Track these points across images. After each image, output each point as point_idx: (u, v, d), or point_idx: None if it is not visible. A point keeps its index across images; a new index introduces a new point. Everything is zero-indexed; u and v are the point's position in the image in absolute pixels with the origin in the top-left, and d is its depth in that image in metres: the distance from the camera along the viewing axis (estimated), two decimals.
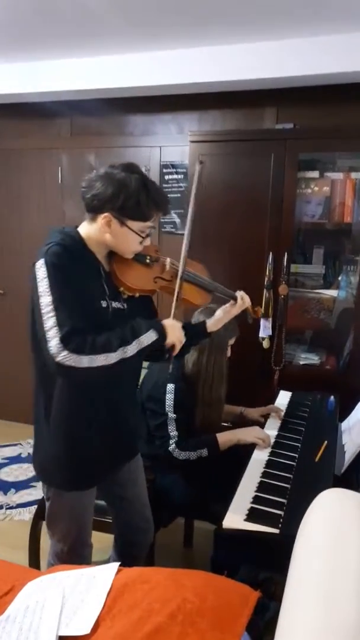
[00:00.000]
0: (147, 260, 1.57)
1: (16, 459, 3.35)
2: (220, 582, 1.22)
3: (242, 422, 2.29)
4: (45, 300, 1.34)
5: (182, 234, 3.06)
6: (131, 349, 1.39)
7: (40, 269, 1.36)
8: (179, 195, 3.22)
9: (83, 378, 1.38)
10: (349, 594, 0.91)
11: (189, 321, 1.86)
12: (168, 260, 1.63)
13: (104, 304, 1.47)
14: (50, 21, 2.50)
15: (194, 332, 1.74)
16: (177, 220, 3.27)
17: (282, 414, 2.21)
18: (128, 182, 1.41)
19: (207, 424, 2.02)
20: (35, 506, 2.16)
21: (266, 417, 2.23)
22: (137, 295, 1.56)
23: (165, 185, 3.28)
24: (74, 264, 1.40)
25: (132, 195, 1.40)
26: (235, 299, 1.75)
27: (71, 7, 2.32)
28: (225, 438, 1.96)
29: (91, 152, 3.44)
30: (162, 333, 1.45)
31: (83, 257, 1.46)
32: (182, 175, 3.20)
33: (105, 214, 1.42)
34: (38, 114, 3.48)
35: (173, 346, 1.49)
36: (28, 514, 2.73)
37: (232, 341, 2.08)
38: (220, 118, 3.11)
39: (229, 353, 2.07)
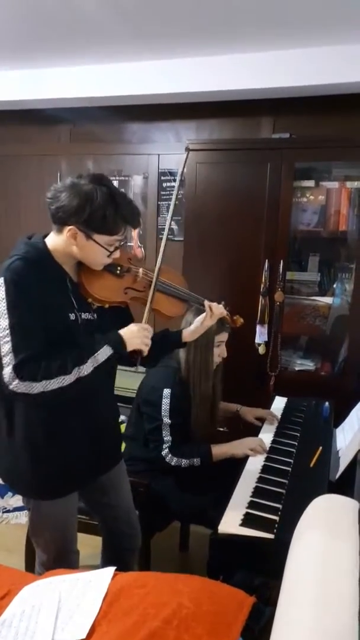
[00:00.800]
0: (118, 271, 1.53)
1: None
2: (215, 587, 1.24)
3: (237, 420, 2.31)
4: (3, 323, 1.32)
5: (180, 241, 3.08)
6: (86, 368, 1.37)
7: (0, 288, 1.33)
8: (176, 202, 3.25)
9: (40, 401, 1.36)
10: (342, 600, 0.92)
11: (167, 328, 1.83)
12: (141, 270, 1.59)
13: (72, 316, 1.45)
14: (52, 29, 2.52)
15: (169, 340, 1.73)
16: (175, 227, 3.30)
17: (278, 418, 2.22)
18: (94, 195, 1.36)
19: (199, 423, 2.03)
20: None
21: (262, 420, 2.24)
22: (106, 306, 1.53)
23: (163, 193, 3.31)
24: (38, 278, 1.37)
25: (98, 209, 1.36)
26: (211, 309, 1.70)
27: (72, 15, 2.35)
28: (220, 451, 1.95)
29: (90, 159, 3.47)
30: (119, 345, 1.42)
31: (48, 269, 1.42)
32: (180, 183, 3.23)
33: (71, 227, 1.39)
34: (38, 120, 3.50)
35: (140, 351, 1.46)
36: (25, 517, 2.73)
37: (222, 337, 2.03)
38: (217, 127, 3.14)
39: (224, 353, 2.07)
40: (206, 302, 1.70)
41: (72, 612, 1.22)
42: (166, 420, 1.92)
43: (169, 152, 3.24)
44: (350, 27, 2.34)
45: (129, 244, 3.36)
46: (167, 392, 1.95)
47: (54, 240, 1.45)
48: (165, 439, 1.93)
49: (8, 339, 1.31)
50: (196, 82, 2.81)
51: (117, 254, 1.49)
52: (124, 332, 1.45)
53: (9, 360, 1.31)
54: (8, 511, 2.83)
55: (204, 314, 1.70)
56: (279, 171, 2.62)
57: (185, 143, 2.79)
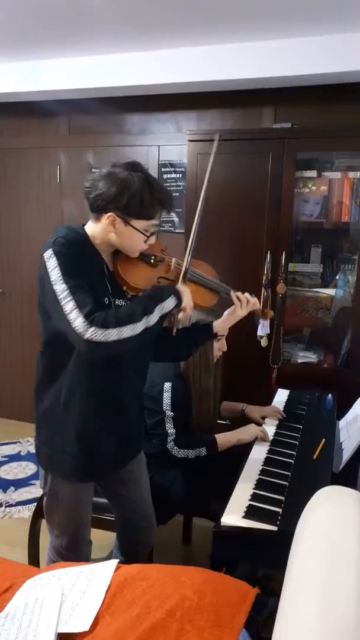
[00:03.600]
0: (152, 260, 1.57)
1: (16, 457, 3.36)
2: (218, 579, 1.23)
3: (242, 419, 2.30)
4: (60, 287, 1.35)
5: (181, 233, 3.06)
6: (154, 316, 1.41)
7: (51, 259, 1.37)
8: (177, 194, 3.23)
9: (113, 352, 1.39)
10: (347, 591, 0.92)
11: (197, 321, 1.86)
12: (173, 260, 1.62)
13: (106, 300, 1.48)
14: (49, 20, 2.50)
15: (201, 332, 1.76)
16: (176, 219, 3.28)
17: (283, 414, 2.20)
18: (131, 181, 1.40)
19: (200, 417, 2.03)
20: (35, 504, 2.17)
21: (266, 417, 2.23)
22: (140, 294, 1.55)
23: (163, 184, 3.28)
24: (78, 259, 1.41)
25: (136, 194, 1.40)
26: (240, 300, 1.73)
27: (70, 6, 2.32)
28: (225, 439, 1.96)
29: (89, 151, 3.44)
30: (179, 298, 1.49)
31: (87, 253, 1.46)
32: (180, 174, 3.21)
33: (110, 214, 1.43)
34: (36, 112, 3.48)
35: (180, 312, 1.53)
36: (27, 511, 2.74)
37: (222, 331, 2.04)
38: (218, 117, 3.11)
39: (224, 347, 2.06)
40: (232, 293, 1.73)
41: (75, 604, 1.22)
42: (169, 413, 1.92)
43: (169, 143, 3.22)
44: (352, 15, 2.31)
45: None
46: (167, 385, 1.95)
47: (93, 229, 1.49)
48: (169, 431, 1.93)
49: (69, 298, 1.34)
50: (196, 72, 2.78)
51: (153, 240, 1.52)
52: (178, 286, 1.52)
53: (76, 315, 1.33)
54: (11, 505, 2.83)
55: (234, 305, 1.73)
56: (281, 161, 2.59)
57: (185, 134, 2.76)
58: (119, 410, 1.59)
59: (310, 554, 1.02)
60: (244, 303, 1.73)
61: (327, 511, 1.14)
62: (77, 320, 1.32)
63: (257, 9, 2.27)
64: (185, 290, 1.52)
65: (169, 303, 1.45)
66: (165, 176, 3.28)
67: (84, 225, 1.52)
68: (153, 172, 3.27)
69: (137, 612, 1.13)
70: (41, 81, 3.11)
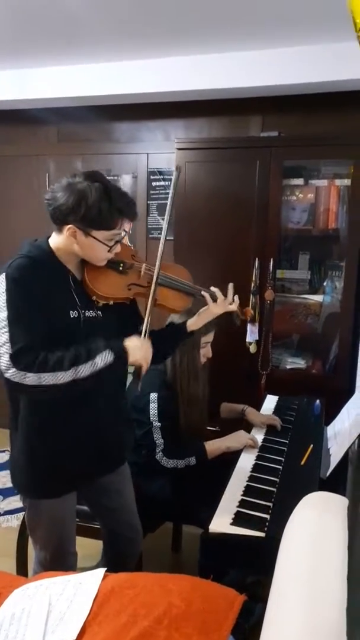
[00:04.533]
0: (120, 267, 1.54)
1: (3, 466, 3.33)
2: (206, 586, 1.23)
3: (242, 421, 2.30)
4: (2, 315, 1.34)
5: (170, 240, 3.08)
6: (84, 370, 1.37)
7: (1, 284, 1.36)
8: (166, 201, 3.24)
9: (35, 396, 1.39)
10: (331, 597, 0.92)
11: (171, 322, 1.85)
12: (144, 265, 1.59)
13: (73, 314, 1.46)
14: (38, 29, 2.51)
15: (176, 333, 1.74)
16: (165, 226, 3.29)
17: (281, 425, 2.18)
18: (88, 192, 1.37)
19: (190, 425, 2.02)
20: (23, 512, 2.15)
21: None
22: (110, 303, 1.54)
23: (152, 192, 3.30)
24: (40, 276, 1.40)
25: (93, 205, 1.38)
26: (214, 297, 1.70)
27: (58, 15, 2.34)
28: (214, 447, 1.96)
29: (78, 159, 3.46)
30: (121, 354, 1.42)
31: (51, 268, 1.45)
32: (169, 182, 3.23)
33: (69, 226, 1.41)
34: (25, 120, 3.49)
35: (140, 366, 1.47)
36: (16, 520, 2.71)
37: (208, 338, 2.02)
38: (206, 126, 3.14)
39: (209, 353, 2.06)
40: (203, 292, 1.70)
41: (62, 614, 1.21)
42: (156, 423, 1.91)
43: (158, 151, 3.24)
44: (338, 26, 2.35)
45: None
46: (154, 396, 1.94)
47: (56, 240, 1.48)
48: (157, 442, 1.92)
49: (6, 329, 1.33)
50: (185, 81, 2.81)
51: (117, 249, 1.50)
52: (128, 342, 1.46)
53: (6, 350, 1.32)
54: None
55: (208, 302, 1.70)
56: (268, 169, 2.62)
57: (174, 142, 2.79)
58: (91, 426, 1.55)
59: (295, 560, 1.03)
60: (220, 301, 1.70)
61: (313, 517, 1.15)
62: (3, 357, 1.32)
63: (244, 19, 2.31)
64: (136, 346, 1.45)
65: (102, 358, 1.39)
66: (154, 184, 3.30)
67: (49, 237, 1.50)
68: (142, 180, 3.32)
69: (124, 620, 1.13)
70: (30, 89, 3.12)
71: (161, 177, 3.26)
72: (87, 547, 1.98)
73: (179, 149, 2.74)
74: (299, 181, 2.70)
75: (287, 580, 1.00)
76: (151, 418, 1.91)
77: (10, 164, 3.63)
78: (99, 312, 1.53)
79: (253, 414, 2.24)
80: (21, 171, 3.60)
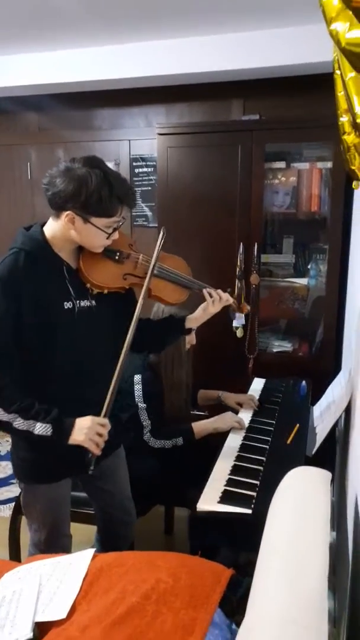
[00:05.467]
0: (117, 257, 1.53)
1: None
2: (193, 561, 1.26)
3: (219, 406, 2.32)
4: None
5: (155, 227, 3.06)
6: (21, 424, 1.39)
7: None
8: (149, 188, 3.24)
9: None
10: (313, 566, 0.95)
11: (172, 314, 1.85)
12: (141, 256, 1.58)
13: (67, 305, 1.46)
14: (13, 15, 2.47)
15: (174, 327, 1.75)
16: (149, 213, 3.28)
17: (257, 403, 2.23)
18: (88, 178, 1.36)
19: (174, 409, 2.04)
20: (14, 503, 2.16)
21: (242, 405, 2.26)
22: (105, 292, 1.53)
23: (135, 179, 3.29)
24: (33, 271, 1.40)
25: (94, 192, 1.36)
26: (211, 295, 1.69)
27: (35, 0, 2.30)
28: (201, 427, 1.98)
29: (60, 147, 3.43)
30: (62, 432, 1.41)
31: (45, 260, 1.44)
32: (152, 168, 3.21)
33: (68, 212, 1.39)
34: (4, 109, 3.44)
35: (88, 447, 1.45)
36: (8, 510, 2.72)
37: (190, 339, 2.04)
38: (187, 111, 3.13)
39: (193, 340, 2.07)
40: (204, 290, 1.69)
41: (52, 594, 1.22)
42: (141, 405, 1.93)
43: (140, 137, 3.22)
44: (315, 8, 2.34)
45: None
46: (137, 378, 1.96)
47: (52, 227, 1.46)
48: (144, 423, 1.94)
49: None
50: (164, 65, 2.79)
51: (115, 236, 1.49)
52: (79, 421, 1.44)
53: None
54: None
55: (207, 302, 1.70)
56: (250, 153, 2.62)
57: (155, 128, 2.77)
58: (86, 413, 1.54)
59: (280, 531, 1.05)
60: (217, 300, 1.70)
61: (296, 490, 1.17)
62: None
63: (223, 1, 2.29)
64: (84, 426, 1.43)
65: (41, 428, 1.39)
66: (136, 170, 3.28)
67: (44, 224, 1.48)
68: (124, 166, 3.30)
69: (113, 597, 1.14)
70: (8, 77, 3.08)
71: (144, 163, 3.25)
72: (81, 533, 1.99)
73: (160, 134, 2.73)
74: (281, 164, 2.70)
75: (272, 553, 1.02)
76: (136, 400, 1.93)
77: None
78: (93, 302, 1.53)
79: (229, 397, 2.26)
80: (2, 160, 3.57)
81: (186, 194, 2.77)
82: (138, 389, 1.94)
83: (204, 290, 1.70)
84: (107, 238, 1.47)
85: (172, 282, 1.65)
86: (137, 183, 3.29)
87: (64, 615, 1.14)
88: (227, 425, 1.96)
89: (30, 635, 1.13)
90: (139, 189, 3.29)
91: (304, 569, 0.93)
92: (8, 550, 2.14)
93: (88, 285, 1.50)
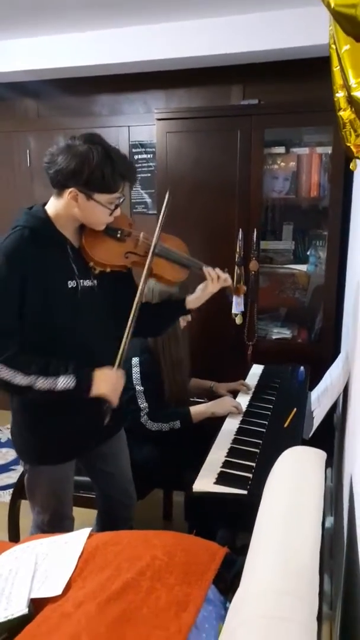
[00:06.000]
0: (119, 235, 1.54)
1: None
2: (188, 540, 1.26)
3: (212, 397, 2.33)
4: None
5: (154, 214, 3.04)
6: (43, 384, 1.38)
7: None
8: (149, 174, 3.22)
9: None
10: (305, 541, 0.95)
11: (172, 295, 1.85)
12: (142, 234, 1.59)
13: (71, 284, 1.47)
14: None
15: (174, 309, 1.76)
16: (149, 200, 3.27)
17: (252, 388, 2.22)
18: (90, 155, 1.36)
19: (174, 388, 2.04)
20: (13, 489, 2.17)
21: (235, 392, 2.25)
22: (107, 270, 1.54)
23: (135, 165, 3.26)
24: (37, 248, 1.40)
25: (96, 169, 1.37)
26: (211, 274, 1.70)
27: None
28: (199, 410, 1.99)
29: (59, 133, 3.35)
30: (82, 383, 1.42)
31: (48, 237, 1.45)
32: (151, 155, 3.19)
33: (71, 189, 1.40)
34: (3, 96, 3.42)
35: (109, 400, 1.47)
36: (8, 496, 2.73)
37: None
38: (186, 96, 3.10)
39: (189, 317, 2.07)
40: (204, 269, 1.70)
41: (48, 571, 1.23)
42: (139, 387, 1.93)
43: (139, 123, 3.20)
44: None
45: None
46: (135, 360, 1.96)
47: (55, 206, 1.46)
48: (141, 406, 1.95)
49: None
50: (163, 49, 2.76)
51: (117, 212, 1.50)
52: (98, 372, 1.45)
53: None
54: None
55: (206, 281, 1.71)
56: (249, 138, 2.60)
57: (154, 113, 2.75)
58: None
59: (274, 506, 1.05)
60: (215, 279, 1.71)
61: (292, 467, 1.17)
62: None
63: None
64: (106, 378, 1.45)
65: (64, 381, 1.40)
66: (136, 157, 3.26)
67: (45, 204, 1.49)
68: (124, 152, 3.27)
69: (108, 574, 1.15)
70: (5, 62, 3.05)
71: (143, 149, 3.23)
72: (84, 518, 2.00)
73: (159, 119, 2.71)
74: (281, 149, 2.68)
75: (266, 529, 1.02)
76: (134, 382, 1.93)
77: None
78: (95, 282, 1.53)
79: (221, 387, 2.27)
80: (1, 147, 3.55)
81: (185, 180, 2.75)
82: (136, 371, 1.94)
83: (204, 269, 1.70)
84: (110, 214, 1.47)
85: (172, 261, 1.66)
86: (136, 169, 3.27)
87: (59, 592, 1.15)
88: (224, 410, 1.97)
89: (26, 610, 1.13)
90: (139, 175, 3.26)
91: (297, 543, 0.94)
92: (8, 534, 2.15)
93: (91, 264, 1.52)
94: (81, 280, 1.50)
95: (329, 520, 1.70)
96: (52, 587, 1.17)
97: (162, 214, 1.61)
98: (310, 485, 1.08)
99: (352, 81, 0.93)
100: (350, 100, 1.04)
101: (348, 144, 1.14)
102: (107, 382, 1.46)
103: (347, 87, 0.98)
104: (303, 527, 0.96)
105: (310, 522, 0.97)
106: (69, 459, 1.64)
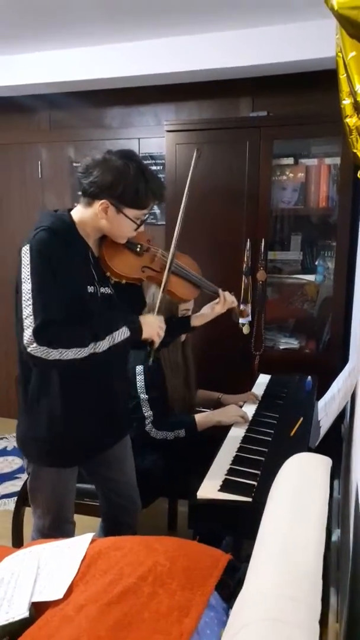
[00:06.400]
0: (138, 249, 1.59)
1: (2, 452, 3.36)
2: (191, 546, 1.25)
3: (219, 408, 2.32)
4: (26, 287, 1.37)
5: (163, 225, 3.08)
6: (103, 345, 1.41)
7: (25, 255, 1.39)
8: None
9: (54, 368, 1.43)
10: (308, 542, 0.94)
11: (174, 314, 1.91)
12: (159, 251, 1.65)
13: (91, 289, 1.49)
14: (25, 13, 2.51)
15: (178, 325, 1.81)
16: (157, 211, 3.30)
17: (259, 397, 2.22)
18: (127, 170, 1.41)
19: (175, 393, 2.04)
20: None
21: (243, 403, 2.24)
22: (123, 282, 1.58)
23: None
24: (61, 249, 1.42)
25: (132, 184, 1.41)
26: (225, 299, 1.80)
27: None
28: (204, 419, 1.98)
29: (70, 146, 3.46)
30: (136, 329, 1.48)
31: (72, 241, 1.48)
32: (161, 167, 3.23)
33: (103, 201, 1.44)
34: (16, 108, 3.49)
35: (152, 341, 1.53)
36: (13, 504, 2.72)
37: (186, 306, 2.04)
38: (196, 109, 3.14)
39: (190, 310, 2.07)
40: (221, 292, 1.79)
41: (50, 575, 1.23)
42: (143, 396, 1.93)
43: (149, 135, 3.24)
44: (322, 2, 2.34)
45: None
46: (140, 369, 1.96)
47: (82, 213, 1.50)
48: (146, 414, 1.94)
49: (30, 302, 1.36)
50: (174, 63, 2.81)
51: (142, 228, 1.55)
52: (142, 318, 1.51)
53: (29, 323, 1.35)
54: None
55: (215, 300, 1.80)
56: (258, 150, 2.62)
57: (164, 125, 2.79)
58: (103, 397, 1.59)
59: (278, 511, 1.04)
60: (227, 302, 1.80)
61: (297, 473, 1.16)
62: (27, 330, 1.35)
63: None
64: (150, 322, 1.52)
65: (120, 333, 1.44)
66: None
67: (70, 210, 1.53)
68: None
69: (110, 578, 1.14)
70: (19, 75, 3.12)
71: (153, 161, 3.27)
72: (86, 525, 1.99)
73: (169, 130, 2.74)
74: (289, 161, 2.70)
75: (269, 531, 1.01)
76: (139, 390, 1.93)
77: (3, 153, 3.63)
78: (112, 290, 1.56)
79: (229, 399, 2.26)
80: (13, 159, 3.61)
81: (194, 191, 2.73)
82: (140, 379, 1.94)
83: (220, 292, 1.80)
84: (135, 229, 1.52)
85: (185, 280, 1.73)
86: None
87: (60, 596, 1.15)
88: (230, 419, 1.96)
89: (27, 614, 1.13)
90: None
91: (300, 546, 0.93)
92: (11, 542, 2.15)
93: (108, 273, 1.55)
94: (100, 287, 1.52)
95: (336, 533, 1.67)
96: (53, 591, 1.17)
97: (176, 230, 1.65)
98: (314, 489, 1.07)
99: (358, 87, 0.95)
100: (357, 106, 1.05)
101: (354, 151, 1.14)
102: (151, 326, 1.52)
103: (353, 93, 0.99)
104: (307, 531, 0.95)
105: (314, 525, 0.96)
106: (77, 464, 1.64)
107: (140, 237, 1.60)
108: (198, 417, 1.97)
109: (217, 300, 1.80)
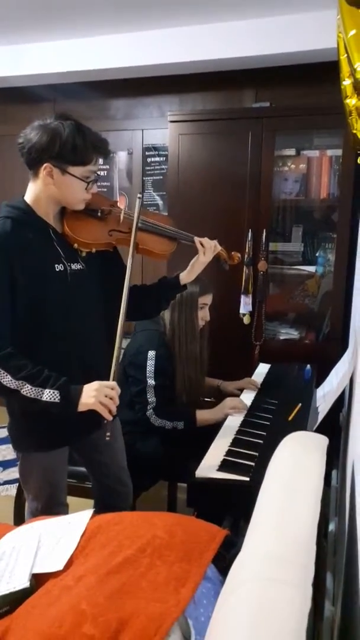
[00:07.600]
0: (99, 214, 1.56)
1: (4, 440, 3.38)
2: (189, 521, 1.27)
3: (219, 395, 2.33)
4: None
5: (165, 215, 3.05)
6: (29, 391, 1.39)
7: None
8: (161, 177, 3.27)
9: None
10: (302, 515, 0.95)
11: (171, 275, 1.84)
12: (123, 210, 1.60)
13: (59, 267, 1.49)
14: (32, 3, 2.52)
15: (169, 286, 1.74)
16: (160, 202, 3.32)
17: (258, 384, 2.23)
18: (61, 128, 1.41)
19: (187, 384, 2.05)
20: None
21: (242, 389, 2.26)
22: (93, 250, 1.55)
23: (147, 168, 3.32)
24: (20, 236, 1.43)
25: (68, 141, 1.41)
26: (203, 245, 1.68)
27: None
28: (204, 417, 1.98)
29: None
30: (70, 398, 1.41)
31: (31, 224, 1.47)
32: (164, 158, 3.25)
33: (45, 164, 1.43)
34: (20, 98, 3.50)
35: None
36: (14, 489, 2.76)
37: (205, 299, 2.06)
38: (200, 100, 3.16)
39: (207, 316, 2.09)
40: (195, 239, 1.69)
41: (50, 549, 1.25)
42: (150, 382, 1.94)
43: (153, 127, 3.26)
44: None
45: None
46: (152, 354, 1.97)
47: (33, 190, 1.49)
48: (150, 400, 1.96)
49: None
50: (178, 53, 2.83)
51: (94, 189, 1.52)
52: (85, 387, 1.44)
53: None
54: None
55: (198, 253, 1.69)
56: (260, 141, 2.64)
57: (167, 116, 2.80)
58: (83, 380, 1.52)
59: (274, 481, 1.06)
60: (208, 248, 1.69)
61: (293, 449, 1.18)
62: None
63: None
64: (91, 391, 1.43)
65: (49, 395, 1.40)
66: (149, 160, 3.32)
67: (24, 195, 1.52)
68: (137, 156, 3.34)
69: (109, 550, 1.16)
70: (24, 65, 3.14)
71: (156, 152, 3.28)
72: (79, 506, 2.00)
73: (172, 121, 2.76)
74: (291, 152, 2.72)
75: (266, 500, 1.03)
76: (147, 375, 1.94)
77: (6, 144, 3.62)
78: (83, 264, 1.55)
79: (228, 386, 2.28)
80: (16, 150, 3.61)
81: (196, 181, 2.79)
82: (150, 364, 1.95)
83: (195, 239, 1.69)
84: (86, 189, 1.49)
85: (158, 235, 1.66)
86: (148, 172, 3.33)
87: (60, 567, 1.17)
88: (224, 414, 1.94)
89: (27, 584, 1.15)
90: (151, 177, 3.33)
91: (295, 513, 0.95)
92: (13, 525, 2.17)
93: (75, 245, 1.52)
94: (69, 264, 1.51)
95: (334, 521, 1.69)
96: (54, 563, 1.19)
97: (139, 195, 1.61)
98: (310, 464, 1.08)
99: (358, 64, 0.96)
100: (357, 85, 1.07)
101: (354, 131, 1.16)
102: (95, 395, 1.43)
103: (352, 71, 1.01)
104: (302, 498, 0.97)
105: (310, 492, 0.98)
106: (60, 446, 1.63)
107: (100, 202, 1.56)
108: (199, 413, 1.98)
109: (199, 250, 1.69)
